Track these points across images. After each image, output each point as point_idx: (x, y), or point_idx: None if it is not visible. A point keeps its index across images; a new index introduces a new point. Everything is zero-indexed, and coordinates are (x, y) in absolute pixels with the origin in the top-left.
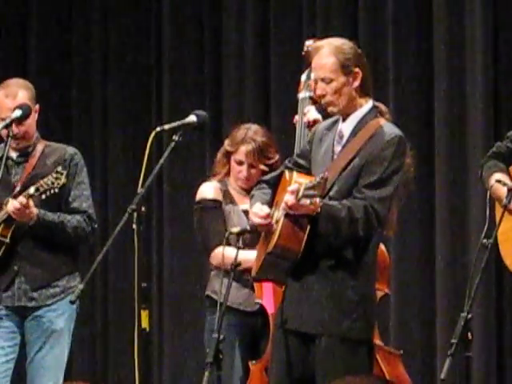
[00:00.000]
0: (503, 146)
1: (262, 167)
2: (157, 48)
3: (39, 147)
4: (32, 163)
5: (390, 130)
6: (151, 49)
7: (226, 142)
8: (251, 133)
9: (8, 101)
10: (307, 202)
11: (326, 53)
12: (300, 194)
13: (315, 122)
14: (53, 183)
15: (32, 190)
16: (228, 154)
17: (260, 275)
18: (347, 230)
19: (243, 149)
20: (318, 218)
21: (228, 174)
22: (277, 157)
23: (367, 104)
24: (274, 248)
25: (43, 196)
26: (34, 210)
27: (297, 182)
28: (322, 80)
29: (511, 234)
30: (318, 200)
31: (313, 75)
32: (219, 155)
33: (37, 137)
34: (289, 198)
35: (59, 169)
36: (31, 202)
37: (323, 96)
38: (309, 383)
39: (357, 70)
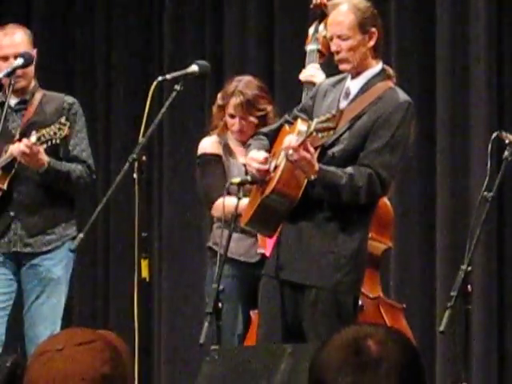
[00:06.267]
0: None
1: (253, 119)
2: None
3: (37, 96)
4: (31, 111)
5: (401, 94)
6: None
7: (219, 95)
8: (242, 85)
9: (7, 38)
10: (319, 135)
11: (345, 10)
12: (312, 127)
13: (310, 83)
14: (55, 133)
15: (34, 138)
16: (222, 108)
17: (250, 224)
18: (348, 197)
19: (233, 102)
20: (314, 183)
21: (226, 127)
22: (269, 108)
23: (377, 65)
24: (272, 192)
25: (44, 146)
26: (45, 158)
27: (300, 129)
28: (339, 37)
29: None
30: (331, 133)
31: (326, 30)
32: (214, 109)
33: (35, 85)
34: (291, 139)
35: (63, 120)
36: (42, 149)
37: (338, 52)
38: (296, 333)
39: (373, 29)
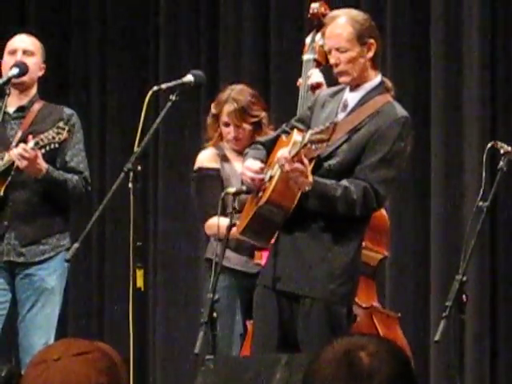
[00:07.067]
0: None
1: (247, 126)
2: (154, 8)
3: (37, 105)
4: (29, 119)
5: (398, 109)
6: (149, 9)
7: (212, 104)
8: (234, 93)
9: (20, 36)
10: (312, 147)
11: (343, 22)
12: (306, 139)
13: (318, 85)
14: (53, 138)
15: (32, 143)
16: (216, 117)
17: (245, 233)
18: (343, 209)
19: (226, 109)
20: (309, 194)
21: (221, 137)
22: (263, 114)
23: (376, 78)
24: (267, 202)
25: (42, 150)
26: (44, 164)
27: (296, 139)
28: (337, 49)
29: None
30: (324, 145)
31: (323, 40)
32: (209, 119)
33: (35, 94)
34: (283, 153)
35: (61, 124)
36: (40, 154)
37: (337, 65)
38: (292, 343)
39: (372, 41)
